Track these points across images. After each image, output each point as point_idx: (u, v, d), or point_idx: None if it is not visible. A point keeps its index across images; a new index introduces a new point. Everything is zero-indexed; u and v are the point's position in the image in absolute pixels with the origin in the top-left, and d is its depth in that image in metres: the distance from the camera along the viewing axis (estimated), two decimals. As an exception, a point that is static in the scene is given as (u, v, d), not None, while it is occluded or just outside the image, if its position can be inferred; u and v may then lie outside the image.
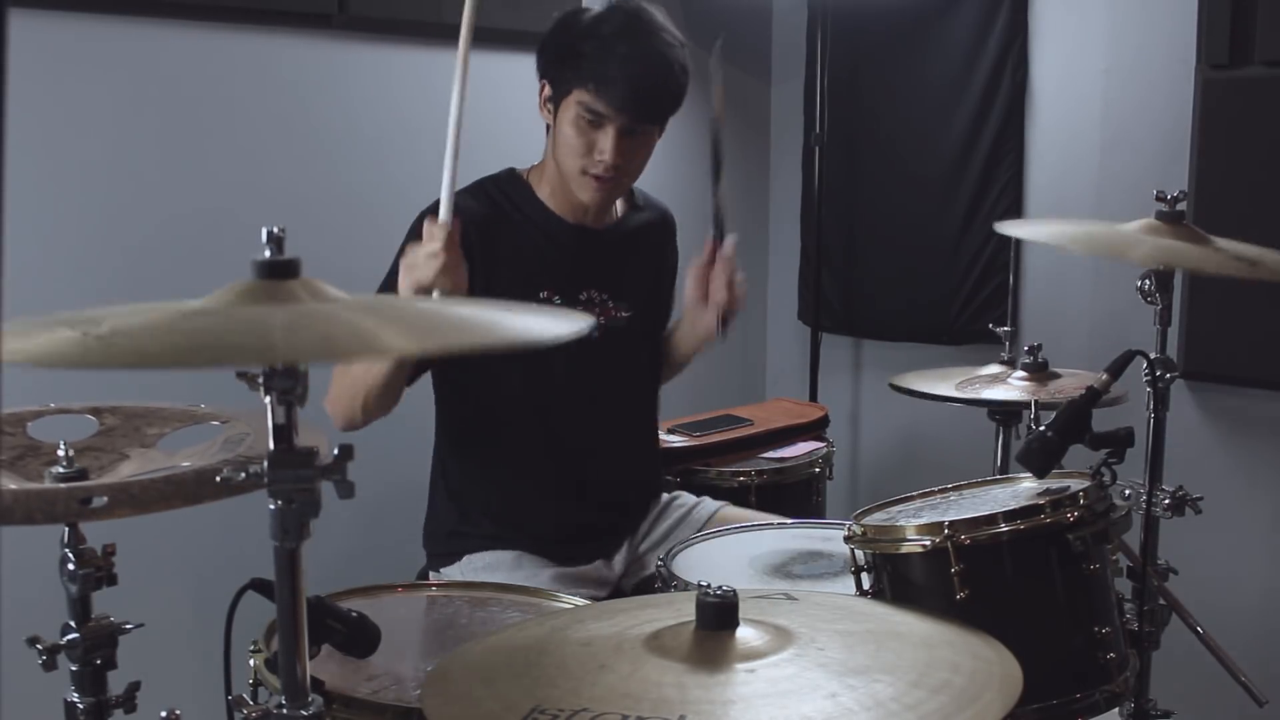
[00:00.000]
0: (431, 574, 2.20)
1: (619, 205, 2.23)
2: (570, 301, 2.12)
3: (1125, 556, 1.88)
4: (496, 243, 2.06)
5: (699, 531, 2.23)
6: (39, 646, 1.26)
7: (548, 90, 2.06)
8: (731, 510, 2.32)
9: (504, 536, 2.14)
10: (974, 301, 3.26)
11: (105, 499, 1.15)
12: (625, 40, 1.99)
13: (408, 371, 1.98)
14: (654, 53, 2.00)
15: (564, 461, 2.16)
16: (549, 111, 2.07)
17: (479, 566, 2.12)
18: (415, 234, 2.03)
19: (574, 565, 2.15)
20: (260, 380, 1.03)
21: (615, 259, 2.19)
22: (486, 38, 2.86)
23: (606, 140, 2.00)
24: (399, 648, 1.53)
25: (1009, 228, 1.89)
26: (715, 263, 2.12)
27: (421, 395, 2.17)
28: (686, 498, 2.36)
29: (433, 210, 1.81)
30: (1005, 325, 2.63)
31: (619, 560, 2.23)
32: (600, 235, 2.17)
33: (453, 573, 2.14)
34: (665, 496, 2.34)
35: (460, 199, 2.09)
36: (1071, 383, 2.33)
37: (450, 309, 1.12)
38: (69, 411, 1.42)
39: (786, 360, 3.76)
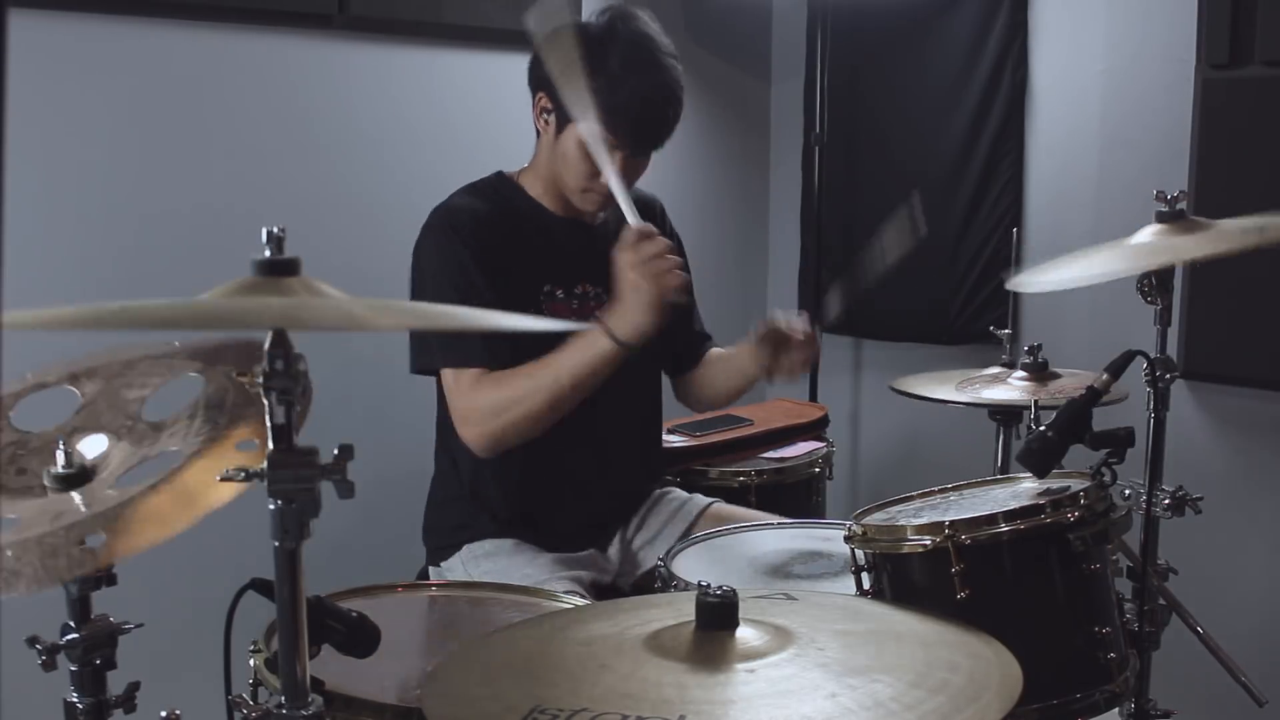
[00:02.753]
0: (431, 568, 2.21)
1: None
2: (570, 295, 2.14)
3: (1125, 556, 1.88)
4: (501, 240, 2.08)
5: (690, 527, 2.25)
6: (39, 646, 1.26)
7: (547, 103, 2.07)
8: (723, 507, 2.33)
9: (508, 526, 2.15)
10: (974, 301, 3.26)
11: (103, 535, 1.15)
12: (635, 74, 2.00)
13: None
14: (662, 85, 2.03)
15: (570, 450, 2.17)
16: (546, 123, 2.09)
17: (478, 554, 2.14)
18: (434, 232, 2.06)
19: (570, 552, 2.16)
20: (260, 380, 1.03)
21: (607, 253, 2.20)
22: (486, 37, 2.87)
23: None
24: (399, 648, 1.53)
25: (1019, 284, 1.90)
26: (804, 339, 2.15)
27: (420, 391, 2.17)
28: (677, 493, 2.37)
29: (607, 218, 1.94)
30: (1005, 326, 2.63)
31: (614, 552, 2.25)
32: (593, 231, 2.18)
33: (453, 564, 2.16)
34: (656, 492, 2.35)
35: (460, 200, 2.11)
36: (1071, 383, 2.33)
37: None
38: (47, 386, 1.38)
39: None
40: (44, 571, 1.14)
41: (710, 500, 2.34)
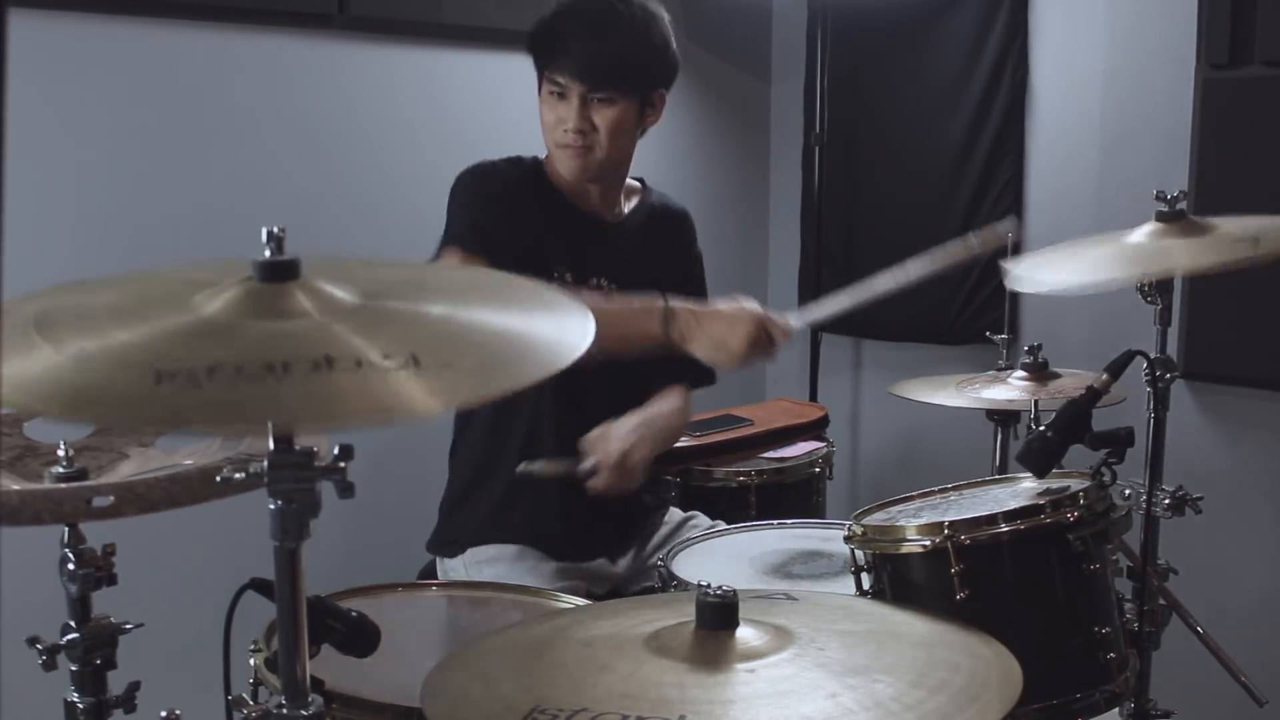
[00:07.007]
0: (435, 561, 2.20)
1: (630, 201, 2.25)
2: (581, 284, 2.13)
3: (1125, 556, 1.88)
4: (528, 214, 2.10)
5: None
6: (39, 646, 1.26)
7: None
8: None
9: (509, 529, 2.15)
10: (974, 301, 3.26)
11: (111, 498, 1.15)
12: (582, 12, 2.05)
13: None
14: (608, 23, 2.04)
15: (572, 451, 2.16)
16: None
17: (481, 560, 2.13)
18: (465, 178, 2.09)
19: (576, 561, 2.15)
20: None
21: (623, 252, 2.20)
22: (486, 37, 2.87)
23: (570, 110, 2.05)
24: (399, 648, 1.53)
25: (1016, 280, 1.88)
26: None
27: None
28: (701, 519, 2.35)
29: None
30: (1002, 330, 2.63)
31: (623, 562, 2.24)
32: (611, 228, 2.19)
33: (455, 565, 2.15)
34: (680, 516, 2.34)
35: (499, 164, 2.14)
36: (1071, 383, 2.32)
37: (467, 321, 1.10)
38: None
39: (786, 360, 3.75)
40: (48, 514, 1.15)
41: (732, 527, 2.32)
